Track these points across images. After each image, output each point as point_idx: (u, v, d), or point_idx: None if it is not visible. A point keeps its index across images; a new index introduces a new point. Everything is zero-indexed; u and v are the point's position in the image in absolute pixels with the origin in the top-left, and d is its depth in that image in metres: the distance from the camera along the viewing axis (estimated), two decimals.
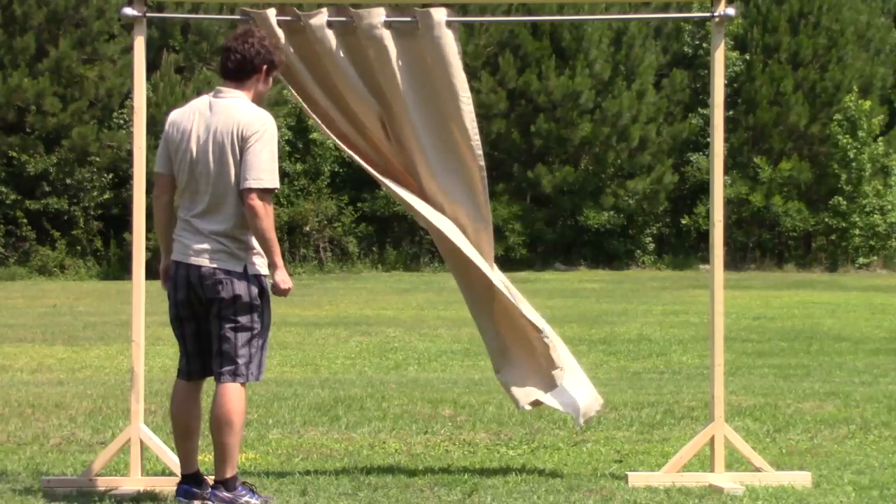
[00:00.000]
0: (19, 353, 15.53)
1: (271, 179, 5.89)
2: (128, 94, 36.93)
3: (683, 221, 40.47)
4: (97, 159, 37.20)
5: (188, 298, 6.09)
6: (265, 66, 6.11)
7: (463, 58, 6.88)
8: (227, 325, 5.99)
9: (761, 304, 24.16)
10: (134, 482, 6.57)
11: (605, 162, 39.78)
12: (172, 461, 6.59)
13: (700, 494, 6.41)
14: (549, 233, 39.76)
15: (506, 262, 38.26)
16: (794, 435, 8.48)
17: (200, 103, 6.14)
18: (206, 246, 6.00)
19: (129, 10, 6.72)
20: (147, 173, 6.90)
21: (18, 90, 36.57)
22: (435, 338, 17.67)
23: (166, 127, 6.20)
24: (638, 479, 6.68)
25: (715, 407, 6.82)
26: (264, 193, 5.89)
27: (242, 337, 6.01)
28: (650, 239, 40.80)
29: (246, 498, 6.03)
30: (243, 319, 6.00)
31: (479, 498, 6.28)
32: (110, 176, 37.46)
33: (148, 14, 6.77)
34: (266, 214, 5.88)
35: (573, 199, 39.58)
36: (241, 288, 5.99)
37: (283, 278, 6.00)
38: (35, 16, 37.45)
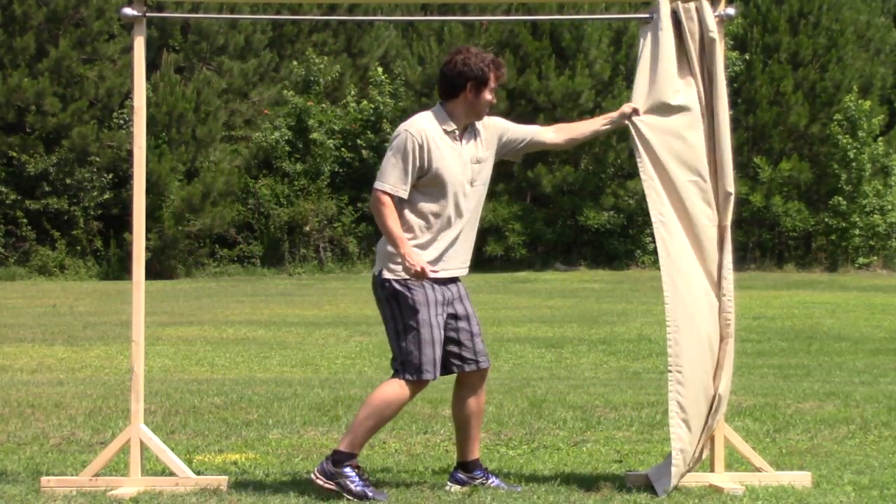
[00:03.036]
0: (19, 353, 15.54)
1: (381, 182, 6.30)
2: (128, 94, 36.96)
3: None
4: (97, 159, 37.22)
5: None
6: (469, 83, 6.44)
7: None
8: (384, 322, 6.44)
9: (761, 304, 24.17)
10: (134, 482, 6.57)
11: (605, 162, 39.79)
12: (172, 461, 6.59)
13: (700, 494, 6.41)
14: (549, 233, 39.76)
15: (506, 262, 38.31)
16: (794, 435, 8.48)
17: None
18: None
19: (128, 10, 6.71)
20: (147, 173, 6.89)
21: (18, 90, 36.59)
22: None
23: None
24: (638, 479, 6.68)
25: None
26: (381, 193, 6.30)
27: (390, 333, 6.39)
28: (650, 239, 40.78)
29: (346, 480, 6.18)
30: (387, 319, 6.39)
31: (479, 498, 6.28)
32: (110, 176, 37.47)
33: (148, 14, 6.75)
34: (379, 212, 6.29)
35: (573, 199, 39.59)
36: (378, 291, 6.41)
37: (409, 264, 6.24)
38: (35, 16, 37.46)
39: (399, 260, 6.29)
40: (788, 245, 41.55)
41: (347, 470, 6.15)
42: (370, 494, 6.16)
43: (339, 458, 6.20)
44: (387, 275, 6.34)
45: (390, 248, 6.32)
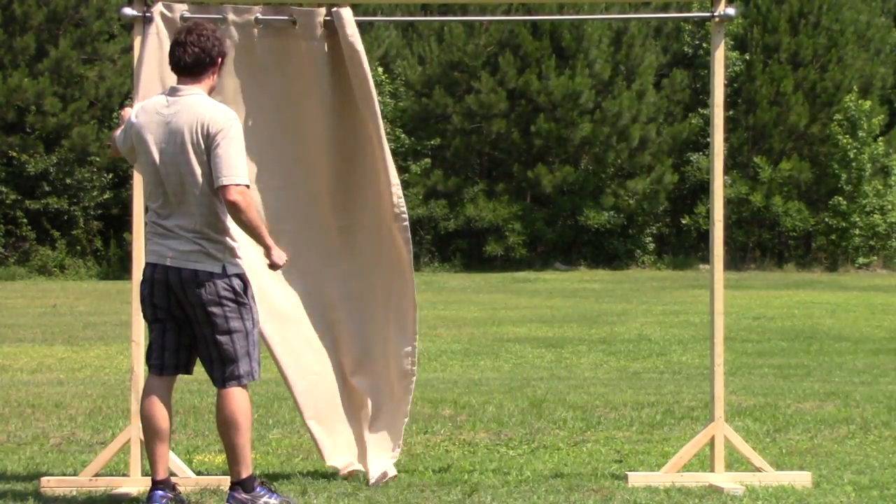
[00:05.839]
0: (19, 353, 15.53)
1: (240, 177, 5.80)
2: (128, 94, 36.91)
3: (683, 221, 40.49)
4: (97, 159, 37.20)
5: (168, 302, 5.93)
6: (220, 59, 6.03)
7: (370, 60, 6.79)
8: (220, 329, 5.88)
9: (761, 304, 24.16)
10: (134, 482, 6.56)
11: (605, 162, 39.78)
12: (172, 461, 6.58)
13: (700, 494, 6.41)
14: (549, 233, 39.76)
15: (506, 262, 38.31)
16: (794, 435, 8.48)
17: (157, 103, 5.98)
18: (182, 248, 5.86)
19: (128, 10, 6.71)
20: None
21: (18, 90, 36.57)
22: (435, 338, 17.67)
23: (132, 119, 6.02)
24: (638, 479, 6.68)
25: (715, 407, 6.82)
26: (242, 188, 5.80)
27: (237, 338, 5.90)
28: (650, 239, 40.80)
29: (265, 498, 5.93)
30: (234, 320, 5.88)
31: (479, 498, 6.27)
32: (110, 176, 37.47)
33: (147, 14, 6.75)
34: (248, 207, 5.79)
35: (573, 199, 39.60)
36: (224, 288, 5.86)
37: (278, 255, 5.93)
38: (35, 16, 37.45)
39: (239, 253, 5.95)
40: (788, 245, 41.54)
41: (259, 490, 5.96)
42: (291, 500, 6.09)
43: (246, 486, 5.94)
44: (235, 269, 5.91)
45: (231, 242, 5.91)
